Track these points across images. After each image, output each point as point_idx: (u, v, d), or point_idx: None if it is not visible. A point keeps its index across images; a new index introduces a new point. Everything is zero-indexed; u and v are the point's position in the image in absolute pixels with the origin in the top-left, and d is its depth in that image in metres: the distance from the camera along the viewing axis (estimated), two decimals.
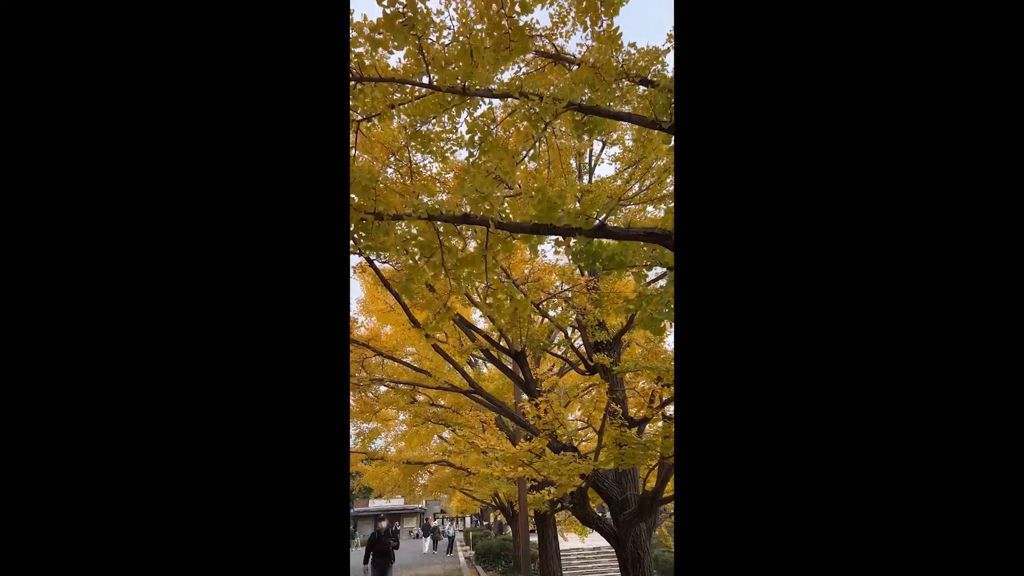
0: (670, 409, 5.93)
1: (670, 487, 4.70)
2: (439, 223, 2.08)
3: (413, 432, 11.07)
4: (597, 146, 6.05)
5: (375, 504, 32.66)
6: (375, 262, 4.56)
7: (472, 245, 2.24)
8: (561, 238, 2.28)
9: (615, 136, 5.61)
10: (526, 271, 5.82)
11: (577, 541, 17.33)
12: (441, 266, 2.11)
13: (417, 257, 2.15)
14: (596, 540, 18.92)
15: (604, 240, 2.67)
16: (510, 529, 16.45)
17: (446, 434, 11.94)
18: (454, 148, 2.81)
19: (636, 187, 5.66)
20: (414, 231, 2.14)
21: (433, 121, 2.53)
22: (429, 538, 23.09)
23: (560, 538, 12.68)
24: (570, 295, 5.56)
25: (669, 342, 6.93)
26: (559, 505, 9.94)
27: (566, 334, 5.55)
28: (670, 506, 5.55)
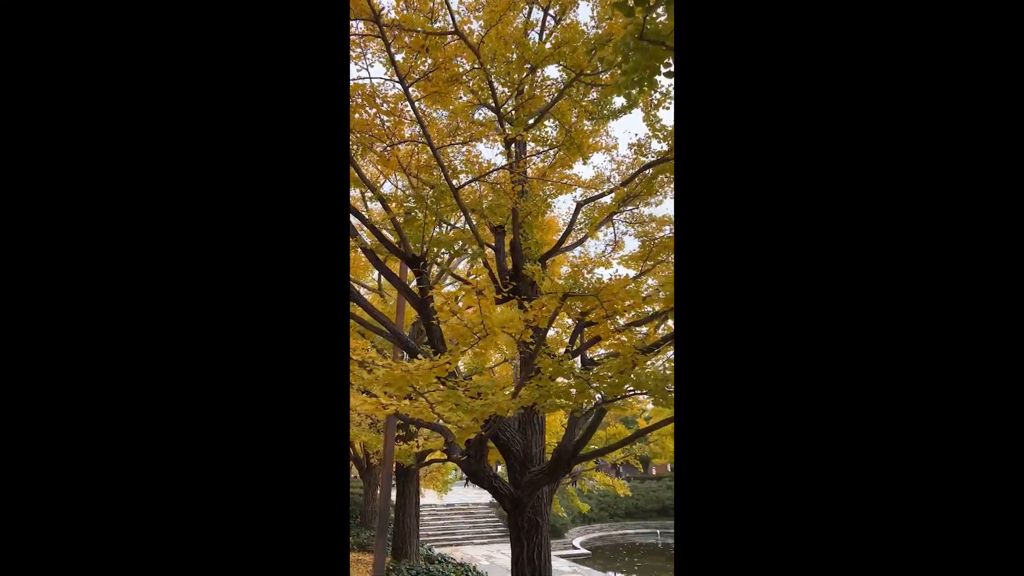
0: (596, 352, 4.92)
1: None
2: None
3: None
4: None
5: None
6: None
7: None
8: None
9: None
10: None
11: (434, 498, 16.42)
12: None
13: None
14: (452, 498, 18.28)
15: None
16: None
17: None
18: None
19: None
20: None
21: None
22: None
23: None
24: (498, 187, 4.18)
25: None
26: (450, 457, 8.81)
27: (481, 244, 4.21)
28: (578, 465, 4.56)
